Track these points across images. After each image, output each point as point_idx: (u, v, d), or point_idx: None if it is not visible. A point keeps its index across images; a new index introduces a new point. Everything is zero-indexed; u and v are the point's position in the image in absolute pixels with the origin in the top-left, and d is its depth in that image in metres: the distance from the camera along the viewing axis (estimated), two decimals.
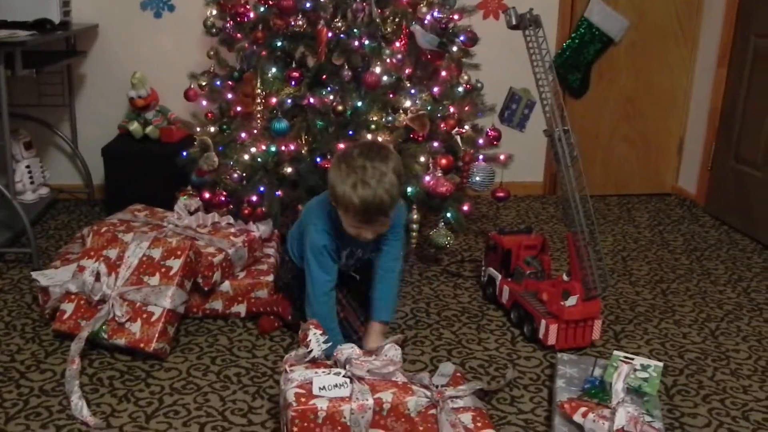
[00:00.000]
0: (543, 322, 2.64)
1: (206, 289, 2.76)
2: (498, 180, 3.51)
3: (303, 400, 1.95)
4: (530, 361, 2.61)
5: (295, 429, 1.93)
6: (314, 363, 2.12)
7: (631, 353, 2.32)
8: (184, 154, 3.45)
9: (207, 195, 3.26)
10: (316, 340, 2.14)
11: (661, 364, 2.24)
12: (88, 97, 4.20)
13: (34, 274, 2.77)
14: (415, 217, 3.13)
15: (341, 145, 3.02)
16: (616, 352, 2.29)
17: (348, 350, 2.09)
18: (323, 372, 2.05)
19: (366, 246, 2.59)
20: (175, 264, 2.61)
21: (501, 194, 3.51)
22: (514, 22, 2.72)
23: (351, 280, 2.77)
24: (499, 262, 3.00)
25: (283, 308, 2.73)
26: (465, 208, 3.35)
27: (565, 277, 2.67)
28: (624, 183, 4.68)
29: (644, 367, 2.23)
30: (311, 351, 2.12)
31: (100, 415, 2.20)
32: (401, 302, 3.03)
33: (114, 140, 4.03)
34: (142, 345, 2.47)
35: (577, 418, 2.05)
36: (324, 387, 1.99)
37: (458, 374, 2.26)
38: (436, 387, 2.15)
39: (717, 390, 2.45)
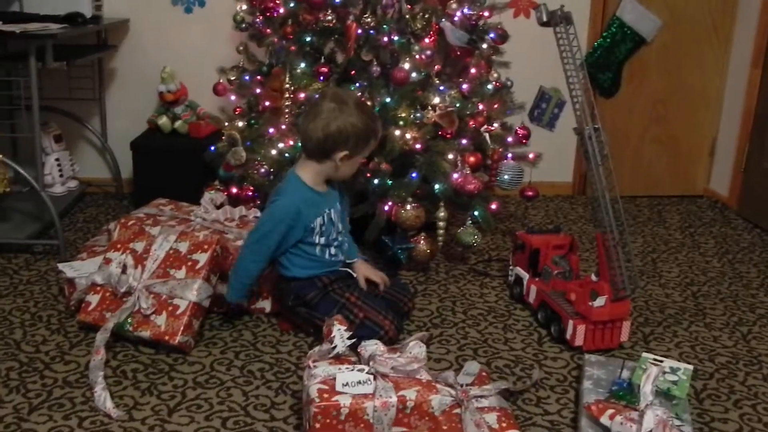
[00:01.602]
0: (570, 322, 2.60)
1: None
2: (527, 179, 3.47)
3: (326, 396, 1.94)
4: (557, 361, 2.57)
5: (317, 425, 1.91)
6: (338, 359, 2.10)
7: (661, 356, 2.27)
8: (212, 148, 3.46)
9: (234, 190, 3.26)
10: (340, 336, 2.12)
11: (691, 367, 2.19)
12: (117, 91, 4.22)
13: (61, 266, 2.78)
14: (442, 214, 3.10)
15: None
16: (644, 354, 2.24)
17: (372, 346, 2.07)
18: (347, 368, 2.03)
19: (333, 203, 2.67)
20: (202, 258, 2.61)
21: (530, 193, 3.48)
22: (545, 19, 2.69)
23: (352, 280, 2.73)
24: (526, 262, 2.97)
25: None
26: (493, 206, 3.32)
27: (593, 278, 2.63)
28: (654, 184, 4.61)
29: (674, 370, 2.18)
30: (335, 347, 2.10)
31: (122, 408, 2.20)
32: (427, 300, 3.00)
33: (143, 134, 4.04)
34: (166, 338, 2.47)
35: (604, 420, 2.02)
36: (347, 383, 1.97)
37: (484, 373, 2.23)
38: (461, 386, 2.12)
39: (749, 395, 2.40)
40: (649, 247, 3.74)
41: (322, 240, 2.63)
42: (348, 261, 2.76)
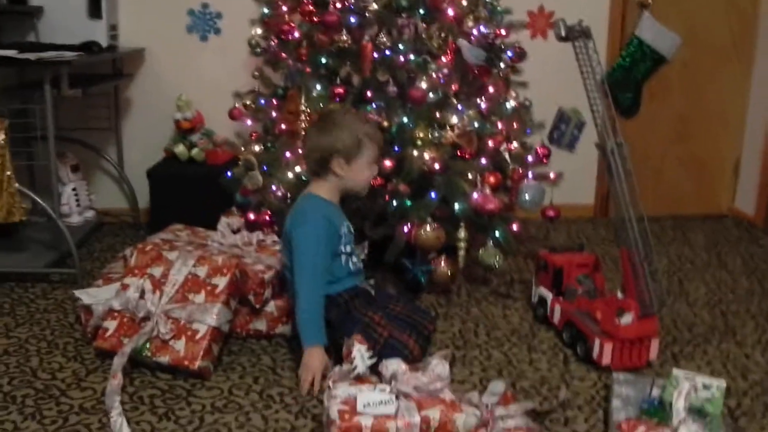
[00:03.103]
0: (597, 341, 2.53)
1: (258, 306, 2.72)
2: (548, 199, 3.41)
3: (347, 417, 1.88)
4: (584, 381, 2.50)
5: None
6: (359, 379, 2.04)
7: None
8: (229, 174, 3.43)
9: (252, 215, 3.22)
10: (360, 356, 2.07)
11: (724, 382, 2.12)
12: (134, 121, 4.22)
13: (77, 293, 2.75)
14: (462, 235, 3.04)
15: (387, 163, 2.97)
16: (675, 371, 2.17)
17: (394, 366, 2.02)
18: (368, 388, 1.97)
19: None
20: (221, 282, 2.57)
21: (551, 213, 3.41)
22: (563, 34, 2.65)
23: (372, 298, 2.69)
24: (550, 281, 2.91)
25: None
26: (514, 227, 3.26)
27: (619, 295, 2.56)
28: (678, 204, 4.54)
29: (706, 386, 2.11)
30: (356, 367, 2.05)
31: None
32: (449, 322, 2.94)
33: (159, 163, 4.03)
34: (186, 363, 2.42)
35: None
36: (369, 404, 1.91)
37: (509, 393, 2.17)
38: (486, 406, 2.06)
39: None
40: (675, 266, 3.66)
41: (348, 248, 2.64)
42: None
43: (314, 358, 2.43)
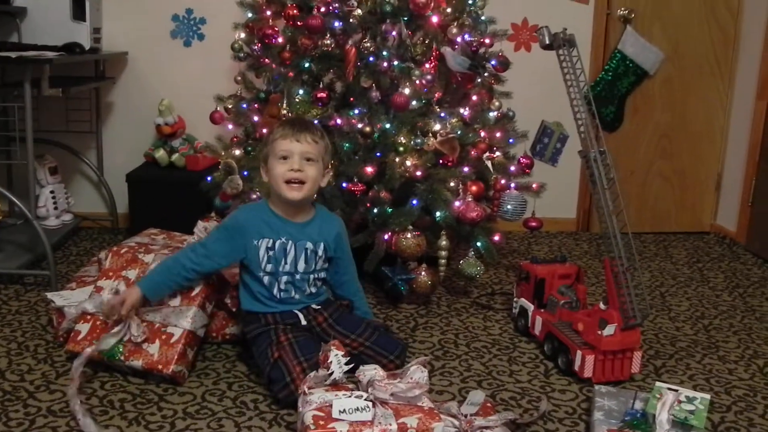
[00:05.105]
0: (579, 353, 2.50)
1: (234, 310, 2.69)
2: (530, 210, 3.39)
3: (322, 423, 1.84)
4: (565, 394, 2.46)
5: None
6: (335, 386, 2.00)
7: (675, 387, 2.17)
8: (209, 178, 3.38)
9: None
10: (337, 362, 2.03)
11: (708, 396, 2.09)
12: (115, 124, 4.17)
13: (49, 295, 2.69)
14: (443, 243, 3.00)
15: (368, 169, 2.94)
16: (658, 384, 2.14)
17: (371, 372, 1.97)
18: (344, 395, 1.93)
19: (301, 238, 2.49)
20: (197, 285, 2.52)
21: (533, 223, 3.39)
22: (547, 41, 2.63)
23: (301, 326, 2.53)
24: (531, 293, 2.87)
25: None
26: (496, 238, 3.23)
27: (602, 306, 2.53)
28: (660, 221, 4.53)
29: (690, 399, 2.07)
30: (332, 373, 2.01)
31: None
32: (428, 333, 2.90)
33: (139, 167, 3.98)
34: (160, 367, 2.36)
35: None
36: (345, 410, 1.87)
37: (488, 404, 2.13)
38: (465, 416, 2.02)
39: None
40: (657, 281, 3.64)
41: (269, 267, 2.48)
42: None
43: (131, 291, 2.43)
